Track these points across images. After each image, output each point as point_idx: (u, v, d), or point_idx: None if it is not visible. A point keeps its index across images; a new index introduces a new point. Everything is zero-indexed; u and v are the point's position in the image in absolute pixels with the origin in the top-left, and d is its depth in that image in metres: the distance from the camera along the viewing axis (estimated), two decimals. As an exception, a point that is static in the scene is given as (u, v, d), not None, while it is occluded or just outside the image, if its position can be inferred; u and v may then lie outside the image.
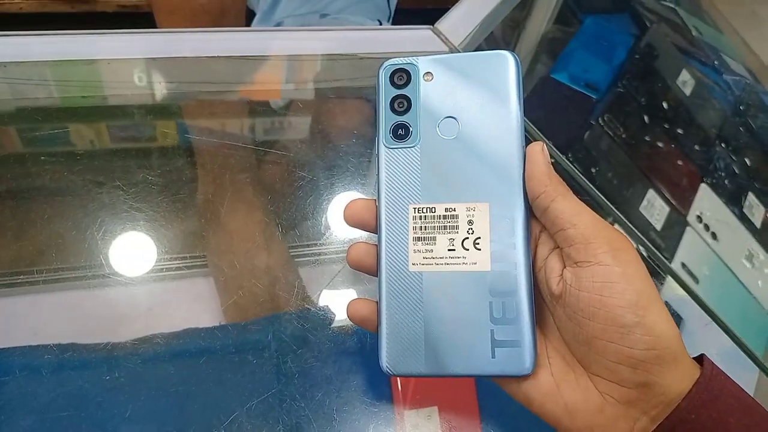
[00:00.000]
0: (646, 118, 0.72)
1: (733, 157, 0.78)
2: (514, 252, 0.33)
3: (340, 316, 0.49)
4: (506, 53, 0.34)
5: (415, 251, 0.34)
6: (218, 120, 0.51)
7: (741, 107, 0.85)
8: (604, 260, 0.30)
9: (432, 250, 0.34)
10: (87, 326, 0.45)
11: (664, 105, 0.75)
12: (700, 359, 0.31)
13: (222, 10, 0.69)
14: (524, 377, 0.32)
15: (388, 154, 0.34)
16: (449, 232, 0.34)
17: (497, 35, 0.83)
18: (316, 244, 0.54)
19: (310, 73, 0.49)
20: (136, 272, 0.48)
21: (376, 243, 0.34)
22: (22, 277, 0.46)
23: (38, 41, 0.46)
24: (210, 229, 0.51)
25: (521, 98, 0.34)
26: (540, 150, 0.33)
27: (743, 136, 0.82)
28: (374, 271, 0.35)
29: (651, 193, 0.66)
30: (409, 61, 0.35)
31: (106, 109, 0.52)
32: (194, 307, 0.48)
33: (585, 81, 0.72)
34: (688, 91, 0.79)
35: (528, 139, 0.33)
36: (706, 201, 0.71)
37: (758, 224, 0.75)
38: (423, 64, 0.35)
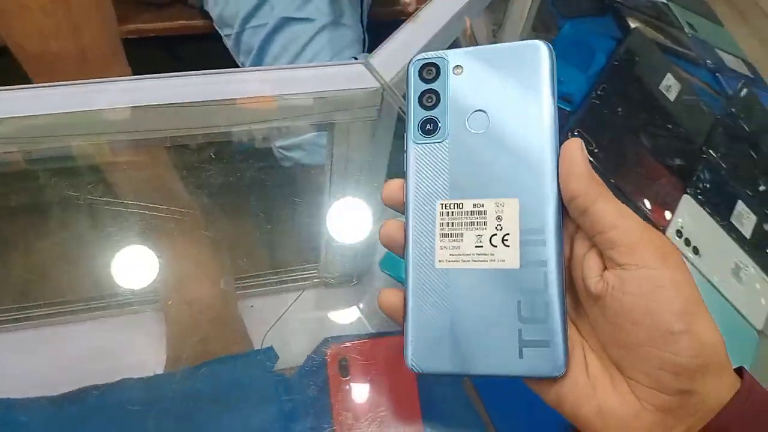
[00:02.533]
0: (622, 129, 0.69)
1: (722, 163, 0.75)
2: (544, 249, 0.32)
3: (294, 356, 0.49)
4: (539, 43, 0.33)
5: (441, 248, 0.33)
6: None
7: (733, 109, 0.81)
8: (653, 264, 0.29)
9: (459, 247, 0.33)
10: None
11: (644, 113, 0.72)
12: (740, 371, 0.30)
13: (82, 56, 0.67)
14: (554, 379, 0.31)
15: (416, 149, 0.34)
16: (477, 229, 0.33)
17: (472, 43, 0.81)
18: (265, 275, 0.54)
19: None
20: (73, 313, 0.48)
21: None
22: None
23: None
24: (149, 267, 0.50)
25: (555, 90, 0.33)
26: (578, 147, 0.32)
27: (734, 140, 0.78)
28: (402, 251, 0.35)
29: (624, 210, 0.64)
30: (438, 55, 0.35)
31: None
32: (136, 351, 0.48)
33: (559, 93, 0.69)
34: (672, 96, 0.75)
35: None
36: (687, 214, 0.68)
37: (748, 234, 0.72)
38: (453, 57, 0.34)
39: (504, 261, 0.32)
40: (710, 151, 0.75)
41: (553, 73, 0.33)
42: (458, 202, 0.33)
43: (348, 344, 0.48)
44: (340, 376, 0.46)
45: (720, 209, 0.71)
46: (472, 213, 0.33)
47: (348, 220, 0.54)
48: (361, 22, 0.84)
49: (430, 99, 0.34)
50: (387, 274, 0.51)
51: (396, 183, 0.35)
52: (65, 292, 0.50)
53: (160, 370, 0.46)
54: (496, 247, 0.33)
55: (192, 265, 0.50)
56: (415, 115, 0.35)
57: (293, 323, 0.51)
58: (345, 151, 0.53)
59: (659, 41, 0.82)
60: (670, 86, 0.76)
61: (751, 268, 0.69)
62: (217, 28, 0.88)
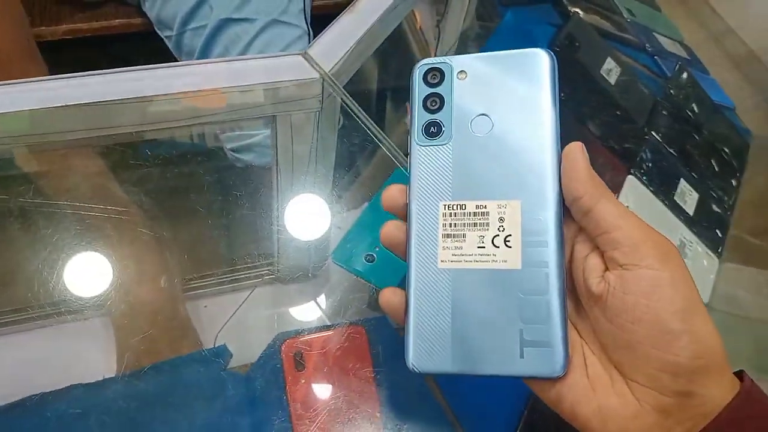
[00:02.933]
0: (565, 113, 0.70)
1: (664, 144, 0.77)
2: (546, 250, 0.32)
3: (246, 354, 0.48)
4: (541, 50, 0.35)
5: (444, 248, 0.34)
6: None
7: (672, 90, 0.84)
8: (653, 264, 0.29)
9: (461, 248, 0.34)
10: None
11: (587, 97, 0.74)
12: (740, 375, 0.31)
13: (8, 58, 0.66)
14: (555, 379, 0.32)
15: (419, 151, 0.35)
16: (479, 230, 0.33)
17: (417, 35, 0.82)
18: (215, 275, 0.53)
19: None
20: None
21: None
22: None
23: None
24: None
25: (557, 95, 0.34)
26: (580, 150, 0.32)
27: (674, 120, 0.80)
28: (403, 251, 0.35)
29: (570, 193, 0.65)
30: (443, 60, 0.36)
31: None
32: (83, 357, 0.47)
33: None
34: (613, 79, 0.77)
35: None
36: (632, 194, 0.70)
37: (691, 211, 0.74)
38: (457, 62, 0.35)
39: (506, 261, 0.33)
40: (652, 132, 0.77)
41: (554, 78, 0.34)
42: (461, 203, 0.34)
43: (302, 338, 0.48)
44: (295, 369, 0.46)
45: (663, 188, 0.73)
46: (474, 214, 0.34)
47: (298, 214, 0.54)
48: (305, 17, 0.83)
49: (435, 102, 0.35)
50: (340, 266, 0.51)
51: (396, 188, 0.36)
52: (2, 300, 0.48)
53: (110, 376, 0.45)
54: (498, 247, 0.33)
55: (132, 264, 0.49)
56: (420, 118, 0.35)
57: (248, 321, 0.50)
58: (289, 144, 0.52)
59: (599, 26, 0.83)
60: (610, 70, 0.78)
61: (695, 244, 0.72)
62: (156, 29, 0.86)
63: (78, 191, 0.51)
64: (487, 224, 0.33)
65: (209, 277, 0.52)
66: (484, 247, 0.33)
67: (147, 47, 0.88)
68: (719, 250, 0.73)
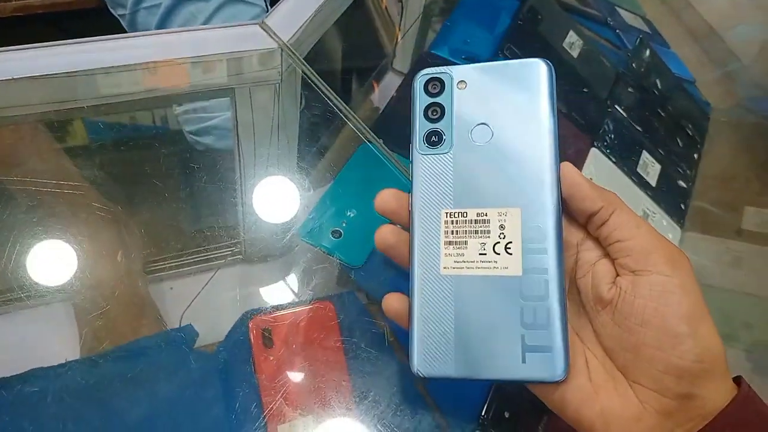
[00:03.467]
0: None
1: (626, 116, 0.78)
2: (545, 257, 0.33)
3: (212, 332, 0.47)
4: (539, 61, 0.36)
5: (446, 255, 0.35)
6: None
7: (633, 64, 0.84)
8: (664, 271, 0.31)
9: (463, 254, 0.34)
10: None
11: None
12: (738, 380, 0.32)
13: None
14: (557, 383, 0.32)
15: (421, 160, 0.36)
16: (481, 237, 0.34)
17: (381, 11, 0.80)
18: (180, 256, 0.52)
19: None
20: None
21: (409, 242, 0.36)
22: None
23: None
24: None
25: (554, 104, 0.35)
26: (575, 171, 0.34)
27: (635, 94, 0.81)
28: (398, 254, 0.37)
29: (535, 166, 0.65)
30: (443, 71, 0.36)
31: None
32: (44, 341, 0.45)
33: (465, 53, 0.70)
34: (575, 53, 0.78)
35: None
36: (595, 166, 0.71)
37: (653, 182, 0.75)
38: (457, 72, 0.36)
39: (507, 268, 0.34)
40: (615, 105, 0.78)
41: (552, 88, 0.35)
42: (462, 210, 0.35)
43: (270, 315, 0.47)
44: (264, 346, 0.46)
45: (626, 160, 0.74)
46: (476, 221, 0.35)
47: (262, 191, 0.53)
48: None
49: (435, 112, 0.36)
50: (307, 242, 0.51)
51: (388, 192, 0.37)
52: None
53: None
54: (499, 254, 0.34)
55: (87, 242, 0.48)
56: (421, 127, 0.36)
57: (215, 302, 0.50)
58: (250, 119, 0.51)
59: (561, 0, 0.84)
60: (573, 43, 0.78)
61: (658, 214, 0.73)
62: (109, 8, 0.84)
63: (28, 167, 0.49)
64: (488, 231, 0.34)
65: (174, 259, 0.51)
66: (485, 254, 0.34)
67: (101, 23, 0.85)
68: (682, 221, 0.75)
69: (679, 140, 0.82)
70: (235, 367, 0.45)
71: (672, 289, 0.31)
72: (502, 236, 0.34)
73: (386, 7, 0.81)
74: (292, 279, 0.50)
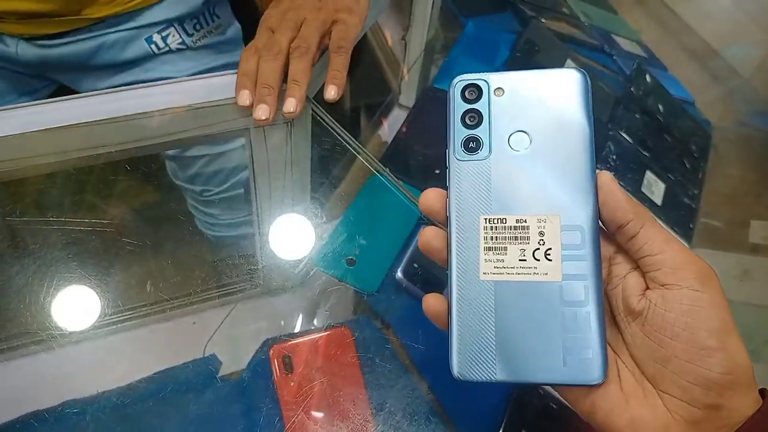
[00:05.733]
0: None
1: (628, 139, 0.80)
2: (585, 264, 0.34)
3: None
4: (574, 71, 0.36)
5: (486, 261, 0.35)
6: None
7: (632, 88, 0.87)
8: (694, 286, 0.31)
9: (503, 260, 0.35)
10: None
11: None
12: (763, 392, 0.32)
13: None
14: (594, 386, 0.33)
15: (459, 166, 0.36)
16: (520, 243, 0.34)
17: (386, 51, 0.84)
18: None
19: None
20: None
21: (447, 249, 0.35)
22: None
23: None
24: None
25: (591, 113, 0.35)
26: (612, 180, 0.34)
27: (636, 117, 0.83)
28: (441, 257, 0.36)
29: (540, 189, 0.67)
30: (480, 77, 0.36)
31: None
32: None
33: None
34: (574, 80, 0.80)
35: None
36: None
37: (659, 201, 0.77)
38: (494, 79, 0.36)
39: (546, 274, 0.34)
40: (615, 128, 0.80)
41: (588, 97, 0.35)
42: (502, 217, 0.35)
43: (289, 342, 0.49)
44: (284, 372, 0.47)
45: (630, 181, 0.76)
46: (515, 228, 0.35)
47: (278, 226, 0.56)
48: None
49: (473, 118, 0.36)
50: (322, 271, 0.53)
51: (432, 192, 0.37)
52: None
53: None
54: (539, 260, 0.34)
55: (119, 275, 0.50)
56: (458, 133, 0.36)
57: (236, 333, 0.51)
58: (264, 155, 0.54)
59: (557, 31, 0.87)
60: (571, 71, 0.81)
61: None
62: None
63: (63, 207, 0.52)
64: (528, 238, 0.35)
65: (195, 294, 0.53)
66: (525, 260, 0.34)
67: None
68: (689, 237, 0.76)
69: (682, 158, 0.84)
70: (258, 392, 0.46)
71: (701, 304, 0.31)
72: (541, 243, 0.34)
73: (391, 47, 0.85)
74: (309, 306, 0.52)
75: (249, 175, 0.55)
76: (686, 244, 0.74)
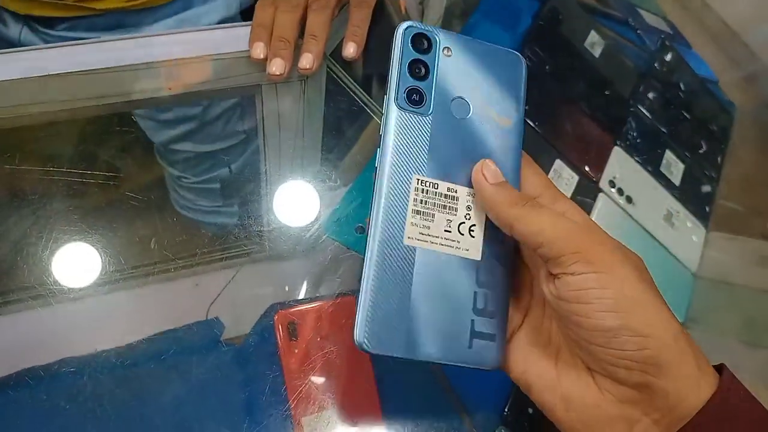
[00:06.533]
0: (551, 86, 0.71)
1: (649, 116, 0.77)
2: (502, 246, 0.34)
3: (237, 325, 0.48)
4: (519, 55, 0.36)
5: (412, 224, 0.33)
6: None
7: (656, 64, 0.84)
8: (577, 269, 0.30)
9: (429, 228, 0.33)
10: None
11: (571, 70, 0.74)
12: (720, 368, 0.31)
13: None
14: (489, 370, 0.33)
15: (399, 115, 0.34)
16: (448, 213, 0.33)
17: (400, 14, 0.81)
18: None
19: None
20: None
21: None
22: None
23: None
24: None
25: (524, 101, 0.35)
26: (479, 170, 0.33)
27: (658, 94, 0.81)
28: None
29: (558, 163, 0.65)
30: (430, 30, 0.35)
31: None
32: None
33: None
34: (597, 52, 0.77)
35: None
36: (618, 165, 0.70)
37: (677, 181, 0.75)
38: (444, 37, 0.35)
39: (467, 251, 0.33)
40: (637, 104, 0.77)
41: (525, 82, 0.36)
42: (434, 182, 0.34)
43: (295, 308, 0.48)
44: (289, 339, 0.46)
45: (649, 159, 0.74)
46: (445, 196, 0.34)
47: (287, 188, 0.54)
48: None
49: (419, 69, 0.34)
50: (331, 238, 0.51)
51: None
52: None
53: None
54: (462, 235, 0.33)
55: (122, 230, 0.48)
56: (403, 80, 0.34)
57: (240, 297, 0.50)
58: (275, 116, 0.52)
59: (581, 1, 0.84)
60: (594, 43, 0.78)
61: (682, 214, 0.72)
62: None
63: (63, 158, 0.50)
64: (456, 209, 0.34)
65: (199, 255, 0.52)
66: (450, 232, 0.33)
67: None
68: (706, 221, 0.74)
69: (702, 141, 0.81)
70: (262, 358, 0.45)
71: (589, 285, 0.30)
72: (467, 217, 0.33)
73: (405, 10, 0.82)
74: (317, 273, 0.51)
75: (259, 134, 0.53)
76: (702, 228, 0.73)
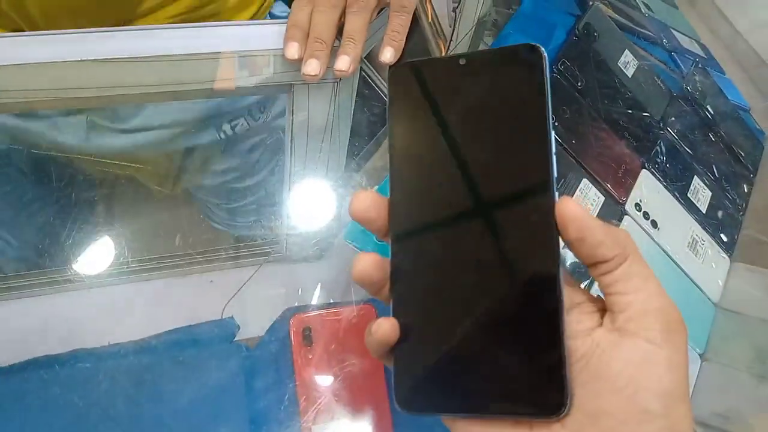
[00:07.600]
0: (582, 103, 0.70)
1: (679, 140, 0.76)
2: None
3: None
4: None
5: None
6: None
7: (689, 87, 0.83)
8: (655, 339, 0.27)
9: None
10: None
11: (603, 88, 0.73)
12: None
13: None
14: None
15: None
16: None
17: (431, 23, 0.80)
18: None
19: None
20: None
21: None
22: None
23: None
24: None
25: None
26: (579, 207, 0.29)
27: (689, 118, 0.80)
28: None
29: (585, 183, 0.64)
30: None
31: None
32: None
33: (519, 66, 0.69)
34: (630, 72, 0.76)
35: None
36: (646, 188, 0.69)
37: (704, 209, 0.73)
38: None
39: None
40: (667, 127, 0.76)
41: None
42: None
43: (310, 314, 0.47)
44: (303, 344, 0.45)
45: (677, 184, 0.72)
46: None
47: (310, 191, 0.53)
48: None
49: None
50: (352, 245, 0.50)
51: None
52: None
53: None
54: None
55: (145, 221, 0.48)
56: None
57: (256, 297, 0.49)
58: (305, 116, 0.51)
59: (617, 19, 0.82)
60: (628, 63, 0.77)
61: (707, 242, 0.71)
62: None
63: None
64: None
65: (216, 252, 0.51)
66: None
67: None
68: (730, 249, 0.72)
69: (731, 167, 0.80)
70: (275, 362, 0.45)
71: (656, 360, 0.27)
72: None
73: (432, 19, 0.81)
74: (335, 280, 0.50)
75: (287, 135, 0.52)
76: (726, 257, 0.71)
